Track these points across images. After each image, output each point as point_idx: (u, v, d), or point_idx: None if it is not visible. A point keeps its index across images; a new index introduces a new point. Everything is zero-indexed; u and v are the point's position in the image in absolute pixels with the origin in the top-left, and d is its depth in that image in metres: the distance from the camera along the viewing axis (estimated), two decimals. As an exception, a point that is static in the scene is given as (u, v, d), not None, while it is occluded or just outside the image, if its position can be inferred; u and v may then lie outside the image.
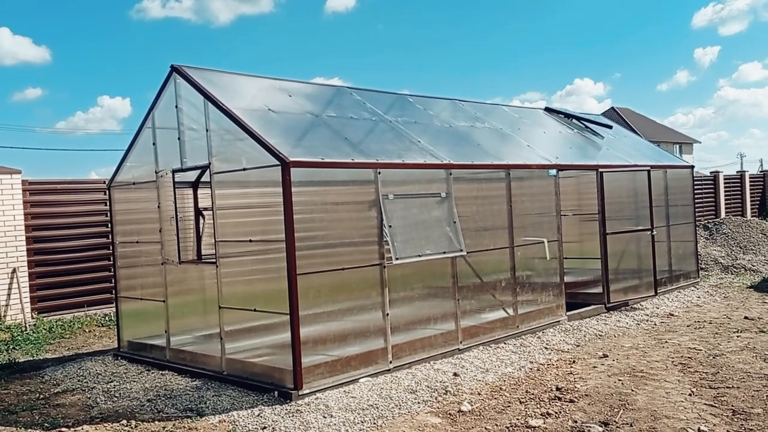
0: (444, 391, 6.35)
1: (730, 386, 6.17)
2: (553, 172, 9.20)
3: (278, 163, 6.20)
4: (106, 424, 5.80)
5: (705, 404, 5.72)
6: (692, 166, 12.81)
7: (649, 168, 10.66)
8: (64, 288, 11.12)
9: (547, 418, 5.56)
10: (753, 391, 5.98)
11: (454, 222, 7.60)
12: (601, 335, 8.60)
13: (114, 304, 8.89)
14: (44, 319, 10.63)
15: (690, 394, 6.01)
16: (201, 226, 8.42)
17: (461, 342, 7.75)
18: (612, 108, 59.95)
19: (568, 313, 9.33)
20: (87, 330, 10.47)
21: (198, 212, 8.49)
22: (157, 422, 5.78)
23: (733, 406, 5.64)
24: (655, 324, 9.18)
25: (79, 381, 7.30)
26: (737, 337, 8.13)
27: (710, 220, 16.79)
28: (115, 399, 6.56)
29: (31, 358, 8.66)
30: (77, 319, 10.84)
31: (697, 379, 6.45)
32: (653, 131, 58.17)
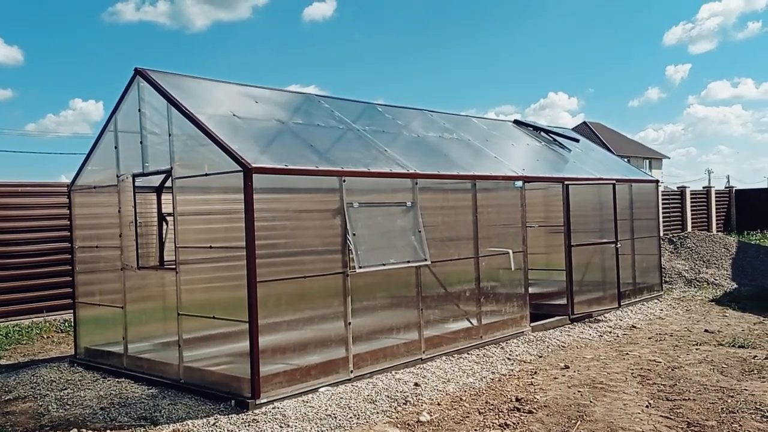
0: (404, 401, 6.32)
1: (687, 398, 6.24)
2: (519, 183, 9.26)
3: (240, 169, 6.14)
4: (55, 433, 5.65)
5: (661, 416, 5.77)
6: (657, 181, 13.02)
7: (614, 182, 10.80)
8: (23, 293, 10.87)
9: (505, 429, 5.56)
10: (708, 404, 6.04)
11: (419, 231, 7.59)
12: (563, 346, 8.64)
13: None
14: (0, 324, 10.36)
15: (647, 406, 6.05)
16: (164, 231, 8.30)
17: (424, 352, 7.73)
18: (584, 122, 60.81)
19: (532, 324, 9.37)
20: (45, 336, 10.23)
21: (161, 218, 8.38)
22: (108, 431, 5.65)
23: (688, 418, 5.70)
24: (618, 336, 9.26)
25: (32, 388, 7.12)
26: (696, 349, 8.24)
27: (675, 234, 17.05)
28: (68, 407, 6.40)
29: (-15, 365, 8.43)
30: (36, 325, 10.59)
31: (654, 391, 6.51)
32: (624, 146, 59.09)
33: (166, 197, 8.12)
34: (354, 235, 6.89)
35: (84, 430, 5.68)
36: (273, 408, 6.04)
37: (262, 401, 6.07)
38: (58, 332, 10.48)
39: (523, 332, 9.15)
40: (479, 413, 5.97)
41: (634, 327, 9.84)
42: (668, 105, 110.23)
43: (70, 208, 8.46)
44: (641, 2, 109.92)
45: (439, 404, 6.25)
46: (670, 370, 7.28)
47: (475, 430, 5.55)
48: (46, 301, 11.04)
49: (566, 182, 10.10)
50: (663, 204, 23.11)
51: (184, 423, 5.78)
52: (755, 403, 6.01)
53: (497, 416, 5.87)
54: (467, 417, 5.87)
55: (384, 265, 7.10)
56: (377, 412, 6.02)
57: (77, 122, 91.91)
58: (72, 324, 9.72)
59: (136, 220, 7.38)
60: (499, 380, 7.06)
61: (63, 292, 11.06)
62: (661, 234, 17.69)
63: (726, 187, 29.41)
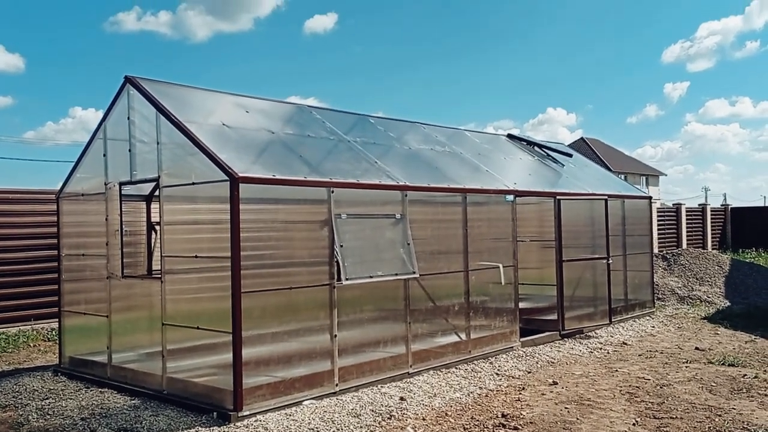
0: (388, 416, 6.24)
1: (674, 417, 6.17)
2: (510, 197, 9.23)
3: (227, 178, 6.10)
4: (33, 443, 5.57)
5: (647, 434, 5.71)
6: (650, 197, 12.99)
7: (606, 197, 10.77)
8: (11, 300, 10.77)
9: (488, 445, 5.48)
10: (696, 422, 5.98)
11: (408, 244, 7.54)
12: (553, 362, 8.57)
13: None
14: (-13, 332, 10.27)
15: (634, 424, 5.99)
16: (153, 240, 8.26)
17: (411, 366, 7.65)
18: (582, 138, 60.99)
19: (522, 339, 9.30)
20: (32, 344, 10.14)
21: (150, 226, 8.33)
22: (87, 442, 5.57)
23: (674, 436, 5.63)
24: (608, 352, 9.19)
25: (13, 397, 7.03)
26: (686, 367, 8.17)
27: (669, 251, 17.02)
28: (48, 417, 6.31)
29: (-32, 373, 8.33)
30: (23, 333, 10.49)
31: (642, 409, 6.44)
32: (621, 162, 59.24)
33: (155, 206, 8.08)
34: (341, 246, 6.84)
35: (62, 440, 5.60)
36: (255, 421, 5.96)
37: (245, 414, 5.99)
38: (45, 341, 10.39)
39: (512, 347, 9.08)
40: (464, 429, 5.90)
41: (625, 344, 9.77)
42: (666, 122, 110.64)
43: (58, 215, 8.40)
44: (640, 20, 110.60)
45: (424, 419, 6.18)
46: (658, 387, 7.22)
47: (459, 446, 5.47)
48: (34, 309, 10.94)
49: (558, 197, 10.07)
50: (659, 221, 23.12)
51: (165, 435, 5.70)
52: (743, 422, 5.94)
53: (482, 432, 5.79)
54: (451, 432, 5.80)
55: (371, 277, 7.05)
56: (361, 427, 5.95)
57: (76, 130, 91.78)
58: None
59: (121, 229, 7.33)
60: (486, 396, 6.99)
61: (51, 301, 10.91)
62: (656, 251, 17.67)
63: (722, 205, 29.41)
